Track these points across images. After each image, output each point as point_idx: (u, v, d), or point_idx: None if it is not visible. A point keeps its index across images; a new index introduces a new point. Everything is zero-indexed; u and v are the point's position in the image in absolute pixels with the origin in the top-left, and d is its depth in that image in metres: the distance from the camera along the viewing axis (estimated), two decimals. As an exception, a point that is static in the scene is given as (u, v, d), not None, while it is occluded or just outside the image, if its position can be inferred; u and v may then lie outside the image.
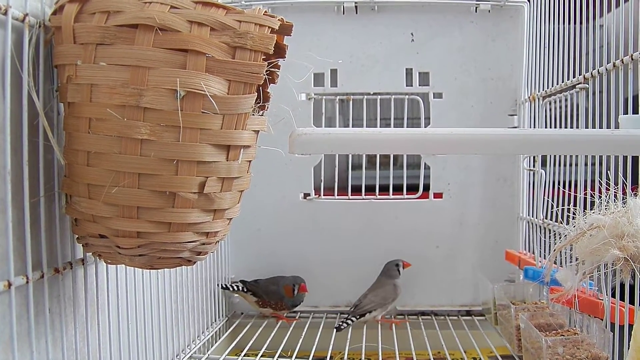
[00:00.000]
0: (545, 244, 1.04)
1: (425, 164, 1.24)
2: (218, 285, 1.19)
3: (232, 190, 0.60)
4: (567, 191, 0.87)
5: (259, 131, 0.61)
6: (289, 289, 1.19)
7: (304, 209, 1.26)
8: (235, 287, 1.19)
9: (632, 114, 0.73)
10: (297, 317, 1.23)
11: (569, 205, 0.86)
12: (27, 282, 0.55)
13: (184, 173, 0.55)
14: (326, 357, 1.00)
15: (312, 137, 0.53)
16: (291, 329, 1.13)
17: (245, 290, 1.19)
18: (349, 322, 1.12)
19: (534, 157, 1.10)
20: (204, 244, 0.60)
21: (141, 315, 0.81)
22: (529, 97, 1.16)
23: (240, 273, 1.27)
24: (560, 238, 0.69)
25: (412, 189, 1.25)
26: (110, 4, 0.53)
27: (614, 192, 0.59)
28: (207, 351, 1.06)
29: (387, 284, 1.18)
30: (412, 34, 1.23)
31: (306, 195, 1.27)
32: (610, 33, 0.81)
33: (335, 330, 1.10)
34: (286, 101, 0.68)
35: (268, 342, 1.05)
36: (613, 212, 0.57)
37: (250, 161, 0.62)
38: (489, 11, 1.22)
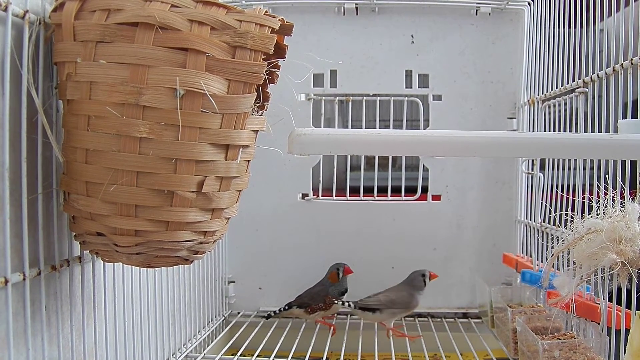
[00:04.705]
0: (542, 247, 1.04)
1: (423, 166, 1.25)
2: (217, 282, 1.19)
3: (230, 190, 0.60)
4: (565, 195, 0.87)
5: (258, 131, 0.61)
6: (333, 275, 1.16)
7: (302, 209, 1.26)
8: (279, 310, 1.17)
9: (631, 118, 0.74)
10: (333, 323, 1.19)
11: (567, 209, 0.86)
12: (24, 279, 0.55)
13: (182, 172, 0.55)
14: (322, 357, 1.00)
15: (311, 137, 0.53)
16: (287, 329, 1.13)
17: (288, 308, 1.16)
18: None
19: (532, 161, 1.10)
20: (201, 243, 0.60)
21: (137, 314, 0.81)
22: (528, 101, 1.17)
23: (238, 272, 1.27)
24: (558, 242, 0.69)
25: (411, 190, 1.25)
26: (110, 2, 0.53)
27: (612, 196, 0.59)
28: (204, 350, 1.06)
29: (403, 291, 1.14)
30: (412, 36, 1.24)
31: (304, 195, 1.27)
32: (610, 37, 0.81)
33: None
34: (285, 101, 0.68)
35: (264, 342, 1.05)
36: (611, 217, 0.57)
37: (249, 161, 0.62)
38: (490, 14, 1.22)
